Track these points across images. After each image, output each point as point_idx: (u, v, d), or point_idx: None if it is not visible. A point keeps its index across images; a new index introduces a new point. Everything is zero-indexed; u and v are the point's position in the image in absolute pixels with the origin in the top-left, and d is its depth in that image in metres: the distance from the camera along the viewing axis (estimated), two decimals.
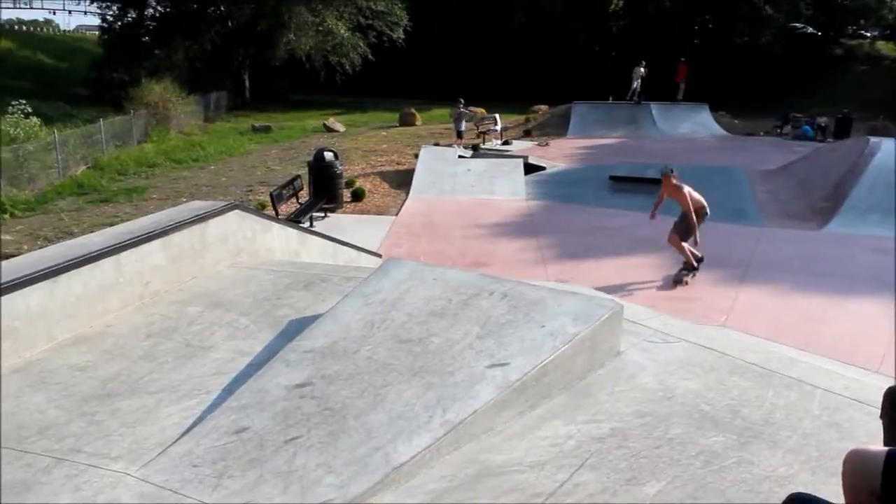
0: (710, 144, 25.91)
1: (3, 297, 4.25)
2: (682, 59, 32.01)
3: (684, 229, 10.47)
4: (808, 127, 28.68)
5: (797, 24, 44.00)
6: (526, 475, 3.10)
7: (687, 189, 10.56)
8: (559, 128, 28.89)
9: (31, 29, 59.76)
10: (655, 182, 17.40)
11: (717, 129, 29.46)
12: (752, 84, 38.30)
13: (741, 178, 18.12)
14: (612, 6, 46.94)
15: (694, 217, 10.31)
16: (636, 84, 30.90)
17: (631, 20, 44.68)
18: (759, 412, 3.63)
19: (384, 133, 29.15)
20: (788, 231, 14.19)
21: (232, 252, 6.27)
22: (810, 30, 44.35)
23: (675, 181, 10.71)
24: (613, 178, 18.03)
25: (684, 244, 10.49)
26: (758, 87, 38.00)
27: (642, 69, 30.76)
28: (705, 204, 10.66)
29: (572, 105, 30.50)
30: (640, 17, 43.88)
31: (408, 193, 16.97)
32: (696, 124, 29.43)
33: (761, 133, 29.56)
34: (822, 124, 28.54)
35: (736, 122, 31.58)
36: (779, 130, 29.61)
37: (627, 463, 3.17)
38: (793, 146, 24.68)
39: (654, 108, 30.06)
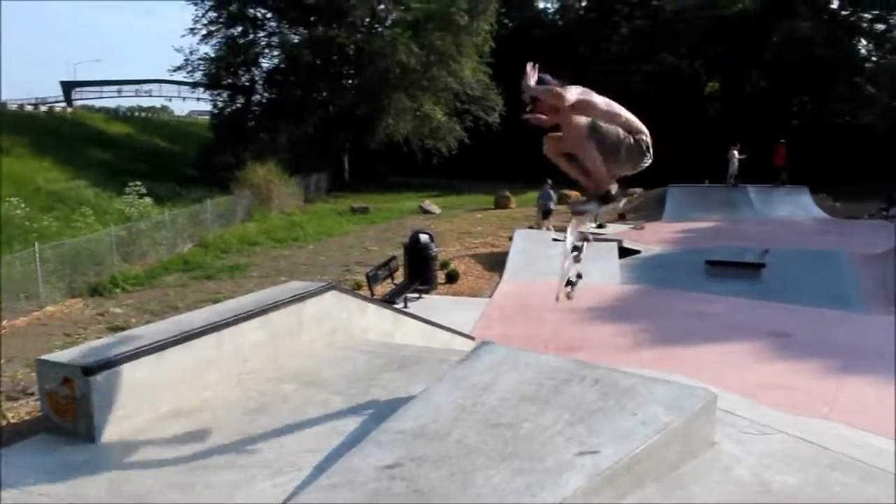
0: (811, 228, 25.21)
1: (114, 369, 4.51)
2: (782, 140, 31.55)
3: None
4: None
5: None
6: None
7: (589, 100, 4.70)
8: (654, 211, 28.63)
9: (149, 115, 63.70)
10: (754, 266, 17.17)
11: (818, 213, 28.69)
12: (854, 165, 37.15)
13: (844, 263, 17.53)
14: (708, 89, 46.85)
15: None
16: (734, 167, 30.57)
17: (726, 103, 44.40)
18: None
19: (479, 215, 29.51)
20: None
21: (328, 332, 6.44)
22: None
23: (558, 90, 4.64)
24: (710, 263, 17.69)
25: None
26: (860, 168, 36.79)
27: (737, 151, 30.46)
28: (644, 129, 4.93)
29: (668, 188, 30.28)
30: (736, 99, 43.59)
31: (501, 276, 17.02)
32: (796, 207, 28.72)
33: (865, 216, 28.60)
34: None
35: (837, 204, 30.70)
36: (884, 213, 28.59)
37: None
38: None
39: (752, 190, 29.57)
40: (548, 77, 4.81)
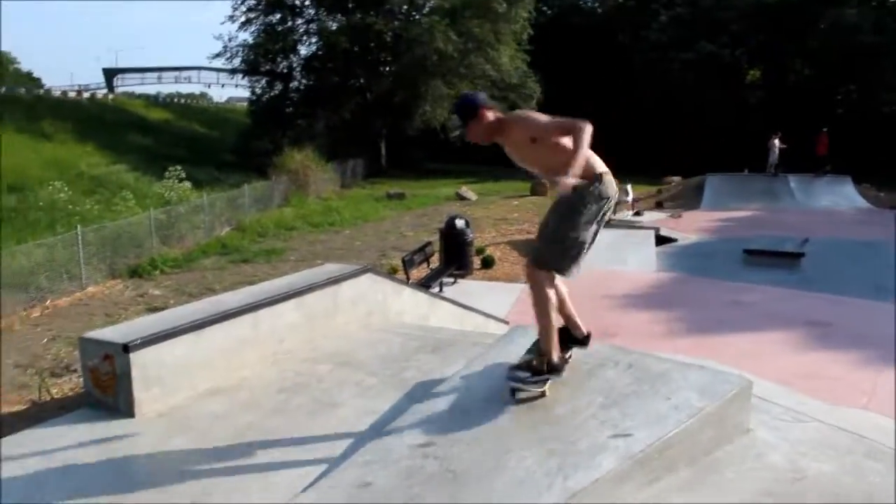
0: (853, 218, 24.78)
1: (154, 347, 4.59)
2: (824, 129, 31.04)
3: (555, 236, 4.32)
4: None
5: None
6: None
7: (537, 125, 4.31)
8: (692, 199, 28.36)
9: (189, 101, 64.48)
10: (793, 256, 16.93)
11: (861, 202, 28.17)
12: None
13: (887, 253, 17.22)
14: (749, 77, 46.19)
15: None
16: (774, 156, 30.18)
17: (768, 91, 43.76)
18: None
19: (515, 202, 29.38)
20: None
21: (363, 314, 6.48)
22: None
23: (492, 115, 4.34)
24: (748, 252, 17.49)
25: (549, 294, 4.29)
26: None
27: (778, 140, 30.04)
28: (603, 169, 4.43)
29: (706, 177, 29.97)
30: (778, 88, 42.93)
31: None
32: (838, 197, 28.25)
33: None
34: None
35: (882, 194, 30.09)
36: None
37: None
38: None
39: (793, 180, 29.16)
40: (481, 96, 4.50)
